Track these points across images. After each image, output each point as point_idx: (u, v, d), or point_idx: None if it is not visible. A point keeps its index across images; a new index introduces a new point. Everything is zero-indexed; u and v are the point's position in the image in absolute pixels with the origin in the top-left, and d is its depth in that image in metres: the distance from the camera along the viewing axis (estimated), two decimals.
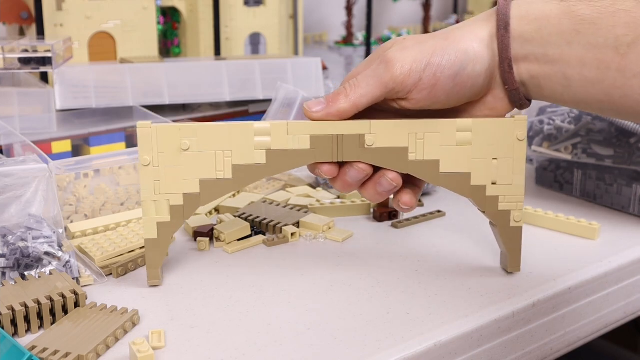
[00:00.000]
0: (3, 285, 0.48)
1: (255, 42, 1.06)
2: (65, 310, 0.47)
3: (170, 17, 1.05)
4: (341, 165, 0.50)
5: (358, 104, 0.48)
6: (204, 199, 0.50)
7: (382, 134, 0.49)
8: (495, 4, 1.58)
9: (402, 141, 0.49)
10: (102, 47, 0.92)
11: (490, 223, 0.53)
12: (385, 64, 0.47)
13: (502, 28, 0.47)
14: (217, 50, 1.00)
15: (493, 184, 0.51)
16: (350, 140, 0.49)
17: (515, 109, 0.52)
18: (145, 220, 0.50)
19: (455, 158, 0.50)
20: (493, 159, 0.50)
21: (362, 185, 0.51)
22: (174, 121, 0.77)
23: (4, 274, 0.50)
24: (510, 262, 0.53)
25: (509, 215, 0.51)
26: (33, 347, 0.42)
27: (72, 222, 0.61)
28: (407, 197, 0.51)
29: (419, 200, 0.68)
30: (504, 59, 0.47)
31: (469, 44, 0.47)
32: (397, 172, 0.50)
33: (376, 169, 0.50)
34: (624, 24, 0.43)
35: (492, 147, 0.50)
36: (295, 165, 0.50)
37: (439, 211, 0.66)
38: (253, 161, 0.49)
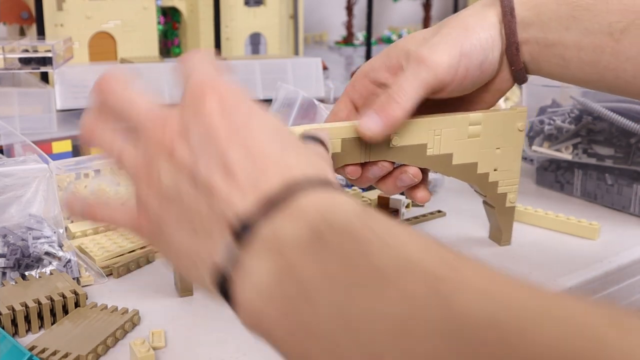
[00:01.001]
0: (3, 285, 0.48)
1: (255, 42, 1.06)
2: (65, 310, 0.47)
3: (170, 17, 1.05)
4: (363, 164, 0.51)
5: (410, 109, 0.48)
6: None
7: (405, 132, 0.51)
8: None
9: (422, 138, 0.52)
10: (103, 47, 0.92)
11: (484, 202, 0.58)
12: (425, 65, 0.48)
13: (508, 14, 0.49)
14: (218, 50, 1.00)
15: (494, 170, 0.55)
16: (381, 144, 0.50)
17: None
18: None
19: (466, 150, 0.54)
20: (496, 148, 0.55)
21: (381, 179, 0.52)
22: None
23: (4, 273, 0.50)
24: (504, 237, 0.59)
25: (505, 197, 0.57)
26: (33, 347, 0.42)
27: (72, 222, 0.61)
28: (421, 193, 0.53)
29: None
30: (512, 43, 0.50)
31: (487, 32, 0.50)
32: (418, 168, 0.52)
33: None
34: (617, 10, 0.46)
35: (496, 138, 0.54)
36: None
37: (439, 211, 0.66)
38: None
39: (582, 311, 0.20)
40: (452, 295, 0.22)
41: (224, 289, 0.30)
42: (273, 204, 0.29)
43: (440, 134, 0.52)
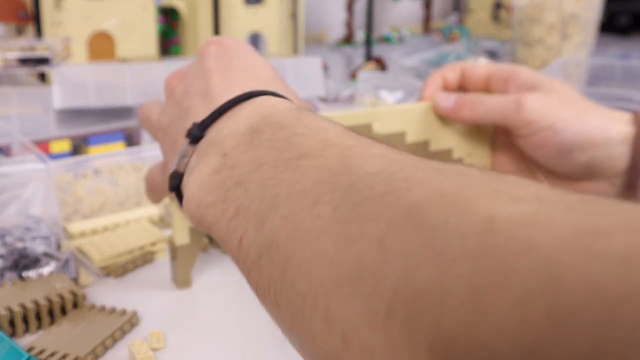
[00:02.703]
0: (1, 286, 0.48)
1: (255, 41, 1.05)
2: (63, 311, 0.46)
3: (169, 17, 1.05)
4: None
5: (476, 122, 0.53)
6: None
7: (386, 121, 0.53)
8: (495, 3, 1.58)
9: (401, 126, 0.54)
10: (101, 46, 0.92)
11: None
12: (521, 109, 0.50)
13: None
14: None
15: (468, 156, 0.58)
16: (361, 130, 0.52)
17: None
18: (177, 227, 0.49)
19: (441, 137, 0.56)
20: (468, 134, 0.57)
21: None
22: None
23: (2, 274, 0.50)
24: None
25: None
26: (31, 348, 0.42)
27: (70, 222, 0.61)
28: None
29: None
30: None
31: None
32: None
33: None
34: None
35: (468, 124, 0.56)
36: None
37: None
38: None
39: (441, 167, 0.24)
40: (354, 159, 0.26)
41: (179, 191, 0.34)
42: (223, 110, 0.33)
43: (418, 122, 0.55)
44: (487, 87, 0.55)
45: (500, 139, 0.56)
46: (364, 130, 0.53)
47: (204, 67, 0.38)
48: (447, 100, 0.54)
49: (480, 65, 0.56)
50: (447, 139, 0.56)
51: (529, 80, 0.52)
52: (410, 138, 0.55)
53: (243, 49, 0.40)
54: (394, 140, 0.54)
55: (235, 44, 0.40)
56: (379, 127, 0.53)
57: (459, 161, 0.57)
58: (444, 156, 0.57)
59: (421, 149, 0.56)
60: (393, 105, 0.55)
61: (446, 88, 0.56)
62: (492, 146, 0.58)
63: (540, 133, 0.50)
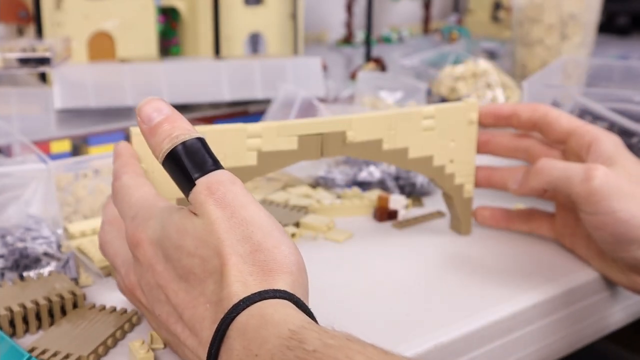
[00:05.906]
0: (1, 287, 0.48)
1: (255, 41, 1.06)
2: (63, 311, 0.46)
3: (169, 16, 1.05)
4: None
5: (544, 187, 0.53)
6: None
7: (360, 128, 0.52)
8: (495, 3, 1.58)
9: (377, 133, 0.53)
10: (101, 46, 0.92)
11: (443, 194, 0.60)
12: (587, 181, 0.48)
13: None
14: (217, 50, 1.00)
15: (451, 162, 0.57)
16: (333, 138, 0.51)
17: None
18: None
19: (421, 143, 0.55)
20: (451, 141, 0.56)
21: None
22: None
23: (2, 274, 0.50)
24: (464, 227, 0.60)
25: (462, 188, 0.58)
26: (33, 349, 0.42)
27: (71, 222, 0.61)
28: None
29: (419, 200, 0.68)
30: None
31: None
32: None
33: None
34: None
35: (449, 131, 0.56)
36: (284, 165, 0.51)
37: (438, 212, 0.66)
38: (245, 163, 0.49)
39: None
40: None
41: None
42: (214, 353, 0.34)
43: (395, 129, 0.53)
44: (565, 143, 0.54)
45: (564, 201, 0.55)
46: (337, 138, 0.52)
47: (150, 277, 0.40)
48: (515, 184, 0.56)
49: (566, 119, 0.54)
50: (427, 146, 0.55)
51: (609, 152, 0.50)
52: (387, 146, 0.54)
53: (164, 245, 0.39)
54: (370, 148, 0.53)
55: (151, 239, 0.40)
56: (352, 136, 0.52)
57: (440, 168, 0.56)
58: (424, 163, 0.56)
59: (399, 157, 0.54)
60: (368, 113, 0.54)
61: (513, 124, 0.57)
62: (477, 151, 0.58)
63: (601, 216, 0.48)
